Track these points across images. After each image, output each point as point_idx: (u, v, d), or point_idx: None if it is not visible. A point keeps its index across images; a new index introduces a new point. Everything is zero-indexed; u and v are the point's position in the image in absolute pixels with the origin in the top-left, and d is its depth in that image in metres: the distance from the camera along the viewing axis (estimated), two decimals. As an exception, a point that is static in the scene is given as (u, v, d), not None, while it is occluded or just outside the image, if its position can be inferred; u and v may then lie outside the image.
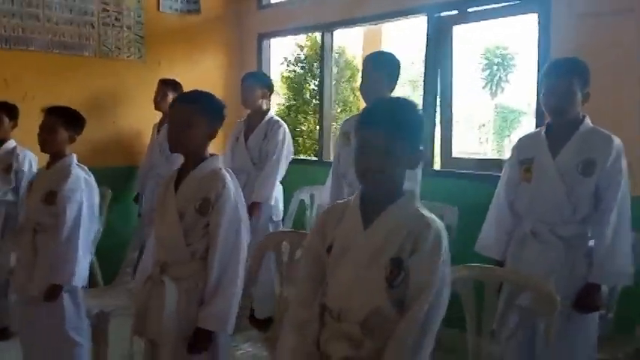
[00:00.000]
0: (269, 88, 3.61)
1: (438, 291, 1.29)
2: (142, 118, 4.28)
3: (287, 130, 3.56)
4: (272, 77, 4.09)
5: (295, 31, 4.72)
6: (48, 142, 2.43)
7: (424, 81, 3.70)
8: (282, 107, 7.09)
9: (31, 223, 2.46)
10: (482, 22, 3.59)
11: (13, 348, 2.75)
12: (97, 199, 2.54)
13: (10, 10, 3.75)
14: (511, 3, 3.25)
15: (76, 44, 4.07)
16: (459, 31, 3.62)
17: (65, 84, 3.98)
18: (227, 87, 4.67)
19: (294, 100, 7.03)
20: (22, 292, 2.47)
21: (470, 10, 3.45)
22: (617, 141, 2.11)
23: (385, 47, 9.26)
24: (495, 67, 35.83)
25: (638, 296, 2.39)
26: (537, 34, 3.06)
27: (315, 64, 8.93)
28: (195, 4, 4.70)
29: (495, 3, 3.31)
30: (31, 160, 3.36)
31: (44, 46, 3.92)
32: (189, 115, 1.86)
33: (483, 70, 36.15)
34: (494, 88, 35.85)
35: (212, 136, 1.92)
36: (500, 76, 35.84)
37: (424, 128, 1.53)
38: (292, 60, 7.19)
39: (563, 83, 2.09)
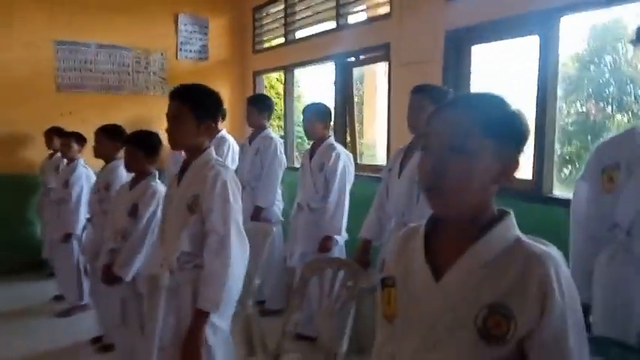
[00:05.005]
0: (222, 115, 5.15)
1: None
2: (165, 138, 6.02)
3: (231, 144, 4.97)
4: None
5: (275, 70, 6.30)
6: (65, 152, 4.24)
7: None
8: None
9: (56, 198, 4.28)
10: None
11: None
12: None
13: (72, 66, 5.72)
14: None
15: (117, 86, 5.98)
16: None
17: (109, 114, 5.78)
18: (230, 113, 6.32)
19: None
20: (51, 237, 4.29)
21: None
22: None
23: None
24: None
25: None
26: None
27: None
28: (204, 53, 6.45)
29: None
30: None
31: (95, 89, 5.85)
32: (99, 137, 3.46)
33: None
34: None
35: (117, 148, 3.49)
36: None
37: None
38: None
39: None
